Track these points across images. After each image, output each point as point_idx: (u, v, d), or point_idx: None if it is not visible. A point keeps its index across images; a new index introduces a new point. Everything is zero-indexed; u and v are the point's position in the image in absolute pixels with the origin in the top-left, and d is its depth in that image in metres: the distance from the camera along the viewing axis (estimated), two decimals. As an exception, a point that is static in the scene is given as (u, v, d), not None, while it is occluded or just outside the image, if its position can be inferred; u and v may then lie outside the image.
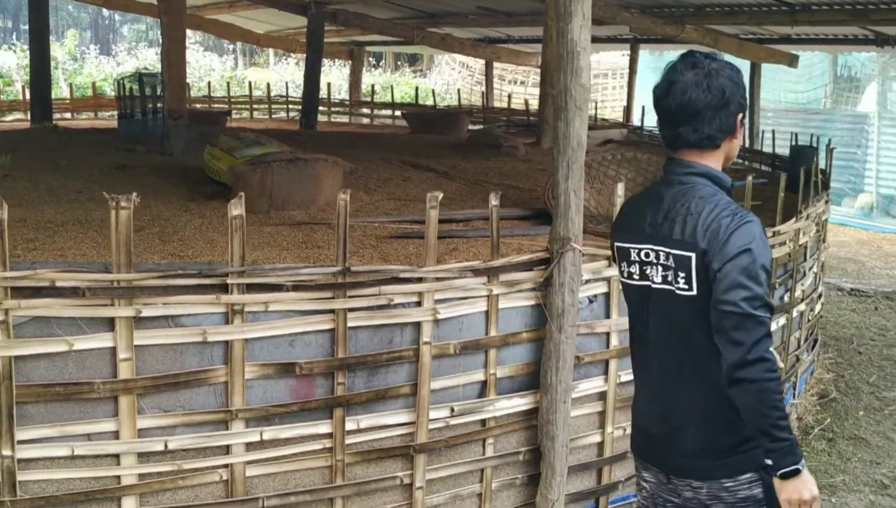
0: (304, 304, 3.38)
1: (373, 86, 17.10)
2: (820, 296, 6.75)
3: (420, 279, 3.56)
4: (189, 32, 26.04)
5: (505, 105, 15.26)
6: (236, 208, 3.19)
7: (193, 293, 3.22)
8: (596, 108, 13.11)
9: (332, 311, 3.41)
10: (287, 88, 16.44)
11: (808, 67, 18.27)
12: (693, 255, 2.44)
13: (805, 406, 6.14)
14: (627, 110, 12.86)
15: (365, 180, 6.18)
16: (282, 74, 24.39)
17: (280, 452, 3.44)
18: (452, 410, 3.74)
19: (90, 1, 15.79)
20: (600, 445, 4.24)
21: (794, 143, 8.47)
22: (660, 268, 2.53)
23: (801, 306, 5.72)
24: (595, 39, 13.08)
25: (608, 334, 4.14)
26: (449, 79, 26.86)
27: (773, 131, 9.63)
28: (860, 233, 14.17)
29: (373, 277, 3.48)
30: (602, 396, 4.20)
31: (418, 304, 3.58)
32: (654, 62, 21.44)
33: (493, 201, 3.70)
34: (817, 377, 6.82)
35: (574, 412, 4.04)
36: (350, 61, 18.03)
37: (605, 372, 4.18)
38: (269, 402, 3.40)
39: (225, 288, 3.25)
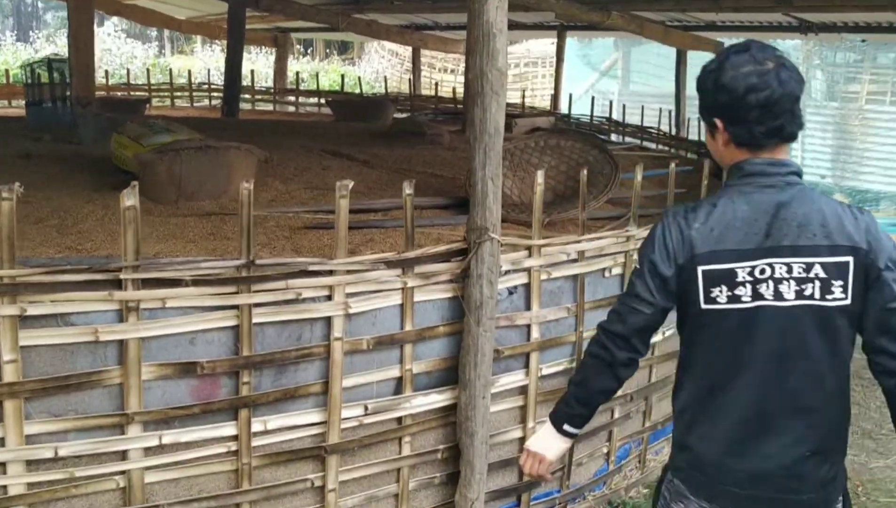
0: (205, 300, 3.18)
1: (297, 73, 16.79)
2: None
3: (330, 272, 3.38)
4: (115, 20, 25.49)
5: (433, 93, 15.10)
6: (129, 199, 2.96)
7: (84, 290, 3.00)
8: (524, 96, 12.97)
9: (235, 307, 3.22)
10: (209, 76, 16.04)
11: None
12: (851, 259, 2.29)
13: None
14: (555, 98, 12.77)
15: (281, 169, 5.96)
16: (206, 62, 23.87)
17: (181, 456, 3.24)
18: (366, 408, 3.58)
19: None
20: (522, 440, 4.10)
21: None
22: (793, 283, 2.30)
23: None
24: (521, 27, 13.12)
25: (529, 326, 4.01)
26: (378, 67, 26.64)
27: (699, 120, 9.61)
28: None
29: (280, 270, 3.30)
30: (523, 390, 4.07)
31: (329, 298, 3.40)
32: (582, 49, 21.53)
33: (407, 189, 3.54)
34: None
35: (494, 408, 3.91)
36: (275, 48, 17.68)
37: (526, 366, 4.05)
38: (169, 404, 3.19)
39: (119, 284, 3.04)
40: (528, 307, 4.01)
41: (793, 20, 9.52)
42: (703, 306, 2.34)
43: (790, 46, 17.37)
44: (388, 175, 6.21)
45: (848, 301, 2.30)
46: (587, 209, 4.74)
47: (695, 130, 9.64)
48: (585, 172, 4.16)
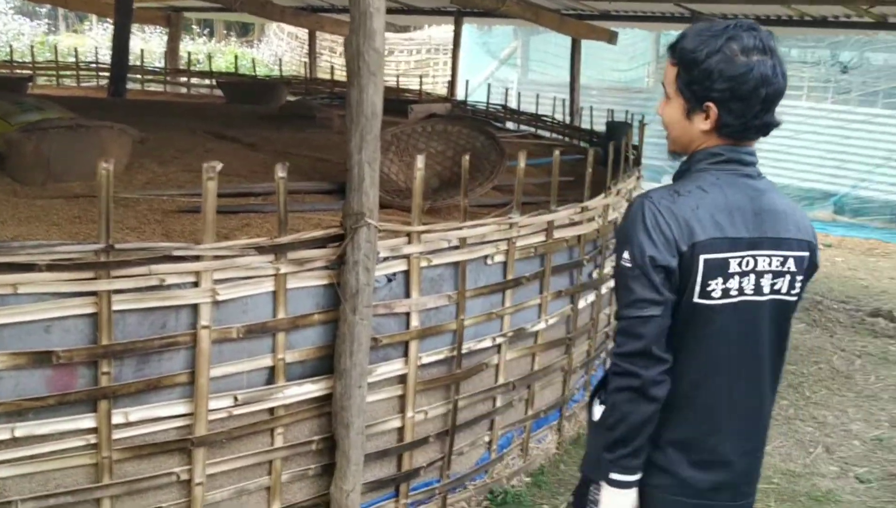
0: (61, 286, 3.01)
1: (189, 53, 16.36)
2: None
3: (197, 258, 3.24)
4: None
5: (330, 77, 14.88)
6: (-26, 178, 2.78)
7: (-73, 275, 2.82)
8: (421, 82, 12.87)
9: (94, 293, 3.05)
10: (97, 55, 15.51)
11: (630, 46, 18.69)
12: (808, 254, 2.28)
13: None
14: (452, 85, 12.70)
15: (161, 151, 5.75)
16: (98, 41, 23.13)
17: (36, 450, 3.07)
18: (236, 399, 3.45)
19: None
20: (400, 430, 4.04)
21: (610, 119, 8.50)
22: (770, 276, 2.22)
23: (611, 283, 5.67)
24: (418, 11, 13.00)
25: (408, 314, 3.93)
26: (278, 50, 26.24)
27: (591, 108, 9.69)
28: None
29: (142, 255, 3.14)
30: (402, 379, 3.99)
31: (195, 285, 3.27)
32: (482, 37, 21.54)
33: (280, 172, 3.43)
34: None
35: (371, 398, 3.83)
36: (168, 28, 17.20)
37: (405, 354, 3.97)
38: (22, 395, 3.01)
39: (-35, 269, 2.85)
40: (407, 295, 3.92)
41: (685, 11, 9.63)
42: (696, 299, 2.19)
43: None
44: (273, 158, 6.02)
45: (796, 296, 2.30)
46: (472, 196, 4.70)
47: (587, 119, 9.69)
48: (467, 157, 4.09)
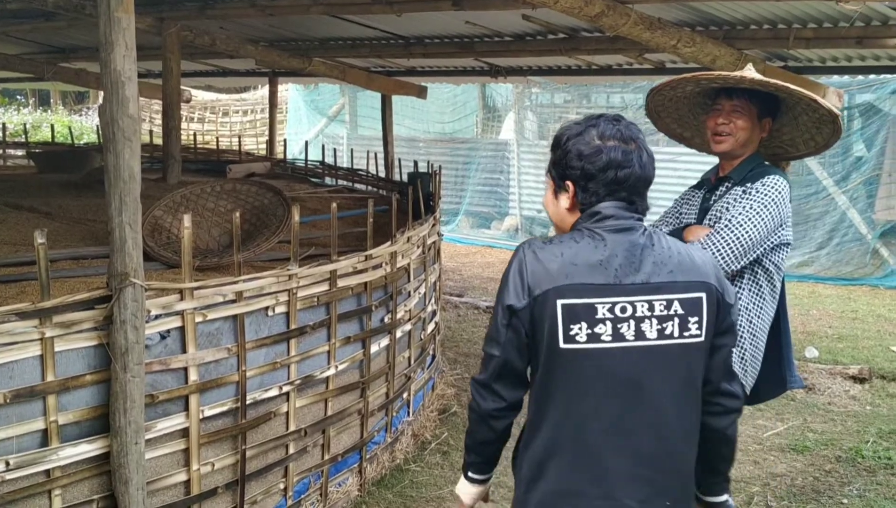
0: None
1: (3, 124, 15.95)
2: (434, 314, 7.02)
3: (-45, 327, 3.30)
4: None
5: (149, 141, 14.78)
6: None
7: None
8: (240, 143, 12.96)
9: None
10: None
11: (455, 97, 19.28)
12: (704, 295, 2.37)
13: (423, 423, 6.37)
14: (271, 143, 12.85)
15: (-51, 224, 5.71)
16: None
17: None
18: (7, 464, 3.49)
19: None
20: (187, 483, 4.13)
21: (413, 171, 8.81)
22: (655, 321, 2.32)
23: (407, 327, 5.91)
24: (234, 73, 13.12)
25: (186, 369, 4.05)
26: (105, 117, 25.73)
27: (400, 160, 10.03)
28: (507, 253, 15.04)
29: None
30: (185, 433, 4.09)
31: (-46, 354, 3.32)
32: (310, 95, 21.83)
33: (39, 239, 3.51)
34: (439, 393, 7.10)
35: (154, 453, 3.92)
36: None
37: (187, 408, 4.08)
38: None
39: None
40: (184, 350, 4.04)
41: (484, 65, 10.09)
42: (562, 345, 2.30)
43: (505, 90, 18.43)
44: (67, 226, 6.07)
45: (702, 338, 2.38)
46: (258, 251, 4.87)
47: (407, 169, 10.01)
48: (238, 214, 4.27)
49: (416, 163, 8.92)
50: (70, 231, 5.88)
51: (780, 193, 3.48)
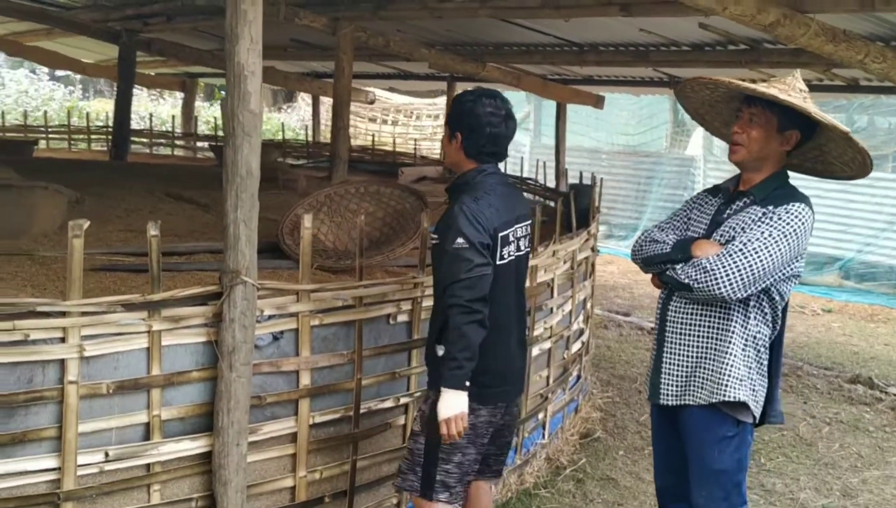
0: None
1: (195, 118, 16.68)
2: (581, 333, 6.72)
3: (63, 314, 3.30)
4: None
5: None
6: None
7: None
8: (416, 146, 13.03)
9: (-46, 347, 3.13)
10: (108, 119, 15.88)
11: (641, 109, 18.73)
12: (531, 221, 3.77)
13: (559, 446, 6.10)
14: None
15: (107, 211, 5.88)
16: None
17: None
18: (107, 454, 3.48)
19: None
20: (292, 490, 4.03)
21: (579, 182, 8.53)
22: (524, 240, 3.66)
23: (546, 345, 5.66)
24: (414, 76, 13.17)
25: (297, 372, 3.95)
26: (304, 114, 26.68)
27: (566, 171, 9.75)
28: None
29: (7, 310, 3.21)
30: (293, 438, 4.00)
31: (62, 340, 3.32)
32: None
33: (152, 230, 3.48)
34: (583, 416, 6.80)
35: (259, 456, 3.85)
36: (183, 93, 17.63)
37: (296, 413, 3.98)
38: None
39: None
40: (297, 353, 3.95)
41: (663, 76, 9.70)
42: (498, 262, 3.47)
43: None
44: (218, 219, 6.14)
45: (528, 248, 3.76)
46: (392, 256, 4.74)
47: (574, 179, 9.74)
48: (362, 217, 4.14)
49: (581, 174, 8.63)
50: (219, 224, 5.93)
51: (803, 223, 3.28)
